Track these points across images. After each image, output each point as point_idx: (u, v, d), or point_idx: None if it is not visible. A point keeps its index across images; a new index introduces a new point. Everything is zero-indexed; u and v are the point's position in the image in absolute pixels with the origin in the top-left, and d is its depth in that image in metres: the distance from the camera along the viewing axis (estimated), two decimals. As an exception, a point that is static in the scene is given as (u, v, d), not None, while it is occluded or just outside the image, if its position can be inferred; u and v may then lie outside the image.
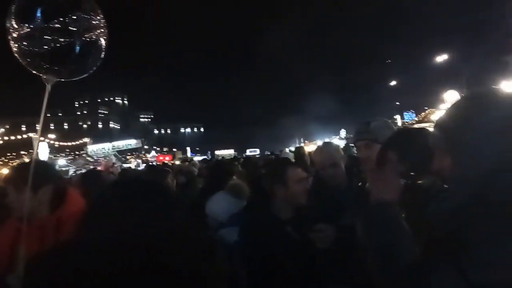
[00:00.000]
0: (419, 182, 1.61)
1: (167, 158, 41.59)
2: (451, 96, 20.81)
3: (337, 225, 2.47)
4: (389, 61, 46.63)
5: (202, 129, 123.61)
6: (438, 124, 1.48)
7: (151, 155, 47.77)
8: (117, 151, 43.08)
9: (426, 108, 23.61)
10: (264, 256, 2.33)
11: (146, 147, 64.09)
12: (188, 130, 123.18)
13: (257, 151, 49.11)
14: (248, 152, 53.70)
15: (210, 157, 51.46)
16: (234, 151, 61.27)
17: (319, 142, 29.21)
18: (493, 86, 1.61)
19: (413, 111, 26.97)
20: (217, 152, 60.87)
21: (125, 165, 28.81)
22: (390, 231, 1.40)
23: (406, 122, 24.35)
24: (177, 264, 1.09)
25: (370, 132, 2.62)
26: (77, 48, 2.28)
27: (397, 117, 27.19)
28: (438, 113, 21.34)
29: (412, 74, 37.99)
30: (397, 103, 39.34)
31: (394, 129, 2.78)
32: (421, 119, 23.53)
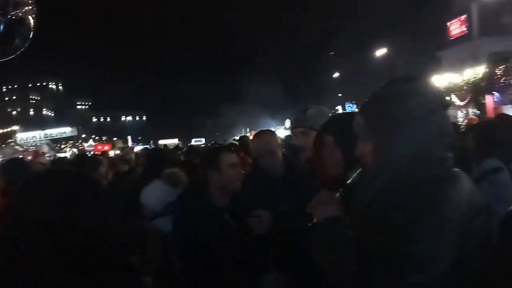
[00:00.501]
0: (348, 181, 1.58)
1: (106, 147, 39.89)
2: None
3: (274, 211, 2.43)
4: (333, 53, 47.41)
5: (144, 118, 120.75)
6: (360, 111, 1.50)
7: (89, 144, 45.99)
8: (50, 139, 40.74)
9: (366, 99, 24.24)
10: (199, 244, 2.27)
11: (83, 135, 61.46)
12: (130, 118, 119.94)
13: (203, 140, 48.57)
14: (193, 141, 52.94)
15: (152, 146, 50.32)
16: (179, 141, 60.31)
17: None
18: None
19: (354, 102, 27.67)
20: (160, 142, 59.48)
21: (59, 155, 27.27)
22: (338, 250, 1.37)
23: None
24: (105, 257, 1.02)
25: (306, 120, 2.63)
26: (2, 27, 2.16)
27: (339, 107, 27.89)
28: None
29: (354, 67, 38.89)
30: (340, 94, 40.38)
31: (329, 116, 2.76)
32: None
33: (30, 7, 2.29)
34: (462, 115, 17.04)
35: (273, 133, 3.11)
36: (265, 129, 3.56)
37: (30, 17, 2.31)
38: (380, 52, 28.27)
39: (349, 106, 27.65)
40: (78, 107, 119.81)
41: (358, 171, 1.55)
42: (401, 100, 1.32)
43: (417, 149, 1.29)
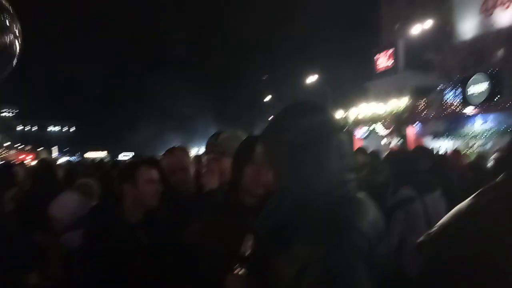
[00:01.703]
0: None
1: (28, 157, 37.82)
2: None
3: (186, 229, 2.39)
4: (265, 77, 47.92)
5: (73, 129, 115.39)
6: (259, 139, 1.48)
7: (11, 153, 43.58)
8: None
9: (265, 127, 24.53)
10: (107, 260, 2.15)
11: (6, 143, 58.13)
12: (58, 128, 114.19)
13: (132, 154, 46.87)
14: (122, 155, 51.08)
15: (78, 158, 47.98)
16: (108, 154, 58.21)
17: (194, 149, 28.76)
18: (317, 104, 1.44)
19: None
20: (88, 155, 57.28)
21: None
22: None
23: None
24: None
25: (218, 145, 2.62)
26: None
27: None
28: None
29: (286, 91, 39.49)
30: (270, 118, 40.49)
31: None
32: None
33: (16, 33, 2.36)
34: (386, 143, 17.49)
35: (184, 149, 3.02)
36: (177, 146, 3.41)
37: (16, 43, 2.41)
38: (311, 78, 28.78)
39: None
40: (3, 114, 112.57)
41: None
42: (295, 125, 1.30)
43: (315, 173, 1.28)
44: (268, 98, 42.88)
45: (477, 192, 1.07)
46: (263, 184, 1.76)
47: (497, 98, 12.96)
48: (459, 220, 1.03)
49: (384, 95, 20.55)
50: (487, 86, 13.21)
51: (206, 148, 2.78)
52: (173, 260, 2.30)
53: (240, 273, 1.49)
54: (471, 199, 1.07)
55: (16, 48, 2.36)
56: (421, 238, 1.11)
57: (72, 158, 45.19)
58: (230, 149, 2.43)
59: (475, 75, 13.75)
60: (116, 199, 2.48)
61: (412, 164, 3.81)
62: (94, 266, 2.19)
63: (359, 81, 28.82)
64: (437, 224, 1.08)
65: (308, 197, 1.27)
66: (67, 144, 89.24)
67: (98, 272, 2.15)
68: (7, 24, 2.23)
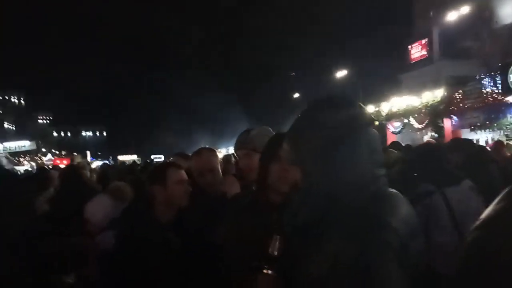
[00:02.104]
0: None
1: (64, 161, 39.38)
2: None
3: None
4: (294, 74, 47.47)
5: (105, 133, 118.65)
6: (286, 136, 1.48)
7: (47, 158, 45.44)
8: (9, 153, 39.87)
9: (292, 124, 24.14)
10: (140, 260, 2.22)
11: (43, 149, 60.84)
12: (90, 133, 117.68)
13: (162, 157, 47.79)
14: (153, 158, 51.97)
15: (112, 162, 49.06)
16: (138, 157, 59.37)
17: (223, 150, 28.69)
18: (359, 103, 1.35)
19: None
20: (119, 158, 58.57)
21: (18, 168, 27.69)
22: None
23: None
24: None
25: (249, 142, 2.62)
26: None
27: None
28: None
29: (315, 88, 38.91)
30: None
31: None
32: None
33: None
34: (421, 137, 16.82)
35: (212, 150, 3.07)
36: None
37: None
38: (341, 73, 28.14)
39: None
40: (39, 121, 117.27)
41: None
42: (326, 120, 1.29)
43: (347, 168, 1.26)
44: (296, 95, 42.44)
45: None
46: (289, 182, 1.75)
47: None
48: (501, 216, 0.95)
49: (419, 87, 19.76)
50: (530, 73, 12.41)
51: (237, 144, 2.77)
52: (202, 261, 2.34)
53: (269, 273, 1.50)
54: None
55: None
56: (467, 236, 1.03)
57: (106, 161, 46.39)
58: (261, 146, 2.45)
59: (516, 62, 12.93)
60: (147, 201, 2.57)
61: (435, 158, 3.70)
62: (127, 267, 2.26)
63: (391, 73, 27.99)
64: (478, 220, 1.01)
65: (340, 192, 1.26)
66: (100, 148, 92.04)
67: (131, 272, 2.23)
68: None
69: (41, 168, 12.11)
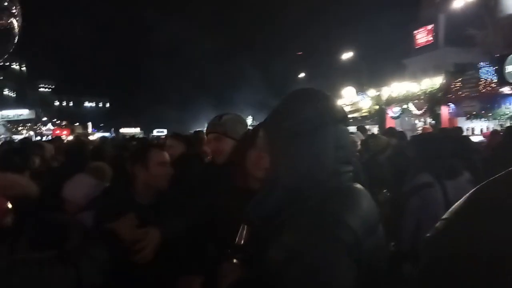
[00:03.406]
0: None
1: (64, 132, 39.41)
2: (348, 93, 21.92)
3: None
4: (300, 53, 47.66)
5: (108, 105, 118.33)
6: (261, 125, 1.59)
7: (46, 128, 45.57)
8: (6, 121, 39.79)
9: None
10: (117, 241, 2.19)
11: (44, 119, 60.50)
12: (93, 104, 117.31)
13: (165, 131, 48.08)
14: (155, 132, 52.53)
15: (113, 134, 49.55)
16: (141, 130, 59.80)
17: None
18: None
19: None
20: (122, 130, 59.07)
21: (14, 137, 27.40)
22: None
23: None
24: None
25: (220, 125, 2.68)
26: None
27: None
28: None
29: (321, 68, 39.28)
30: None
31: (246, 124, 2.91)
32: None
33: (15, 11, 2.33)
34: (420, 124, 17.37)
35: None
36: None
37: (15, 21, 2.36)
38: (347, 55, 28.56)
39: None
40: (41, 89, 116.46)
41: None
42: (294, 113, 1.33)
43: (309, 162, 1.29)
44: (302, 74, 42.86)
45: (489, 180, 0.95)
46: (265, 168, 1.73)
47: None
48: (464, 214, 0.90)
49: (422, 72, 20.24)
50: (526, 65, 12.94)
51: (208, 127, 2.85)
52: (180, 242, 2.32)
53: (235, 261, 1.55)
54: (482, 189, 0.94)
55: (15, 28, 2.36)
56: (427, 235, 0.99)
57: (107, 134, 46.81)
58: (232, 131, 2.63)
59: (513, 53, 13.45)
60: (127, 181, 2.60)
61: (435, 148, 3.69)
62: (105, 245, 2.19)
63: (397, 58, 28.38)
64: (443, 217, 0.96)
65: (300, 186, 1.29)
66: (102, 119, 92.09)
67: (109, 251, 2.15)
68: (6, 4, 2.23)
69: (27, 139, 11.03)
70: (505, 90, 13.73)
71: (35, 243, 2.07)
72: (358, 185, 1.36)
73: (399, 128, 12.19)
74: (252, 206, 1.41)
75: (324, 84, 27.54)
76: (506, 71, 13.61)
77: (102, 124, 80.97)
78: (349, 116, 21.11)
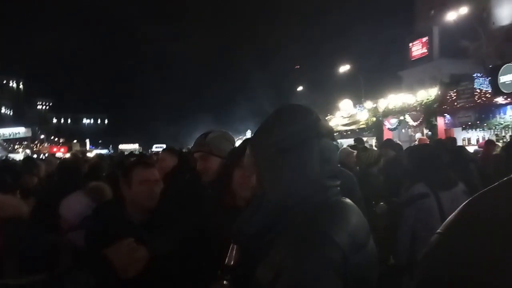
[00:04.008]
0: None
1: (61, 150, 39.21)
2: (345, 105, 22.24)
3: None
4: (298, 66, 48.29)
5: (106, 121, 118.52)
6: (248, 141, 1.60)
7: (44, 146, 45.70)
8: (3, 139, 39.70)
9: (329, 114, 24.80)
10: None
11: (42, 136, 60.23)
12: (91, 121, 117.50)
13: (164, 146, 47.91)
14: (154, 147, 52.52)
15: (111, 151, 49.63)
16: (139, 146, 59.91)
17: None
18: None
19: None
20: (121, 147, 59.13)
21: (12, 155, 27.56)
22: None
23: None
24: None
25: (206, 144, 2.65)
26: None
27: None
28: (333, 120, 22.56)
29: (319, 81, 39.76)
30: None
31: (233, 140, 2.83)
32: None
33: None
34: (415, 134, 17.64)
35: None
36: None
37: None
38: (344, 68, 29.01)
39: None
40: (38, 107, 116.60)
41: None
42: (279, 129, 1.34)
43: (295, 178, 1.30)
44: (300, 88, 43.29)
45: (480, 193, 0.95)
46: (251, 187, 1.78)
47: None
48: (457, 230, 0.89)
49: (418, 84, 20.58)
50: (519, 75, 13.23)
51: (194, 147, 2.84)
52: (173, 260, 2.28)
53: (224, 284, 1.53)
54: (473, 202, 0.94)
55: None
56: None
57: (105, 151, 46.77)
58: (217, 149, 2.60)
59: (507, 64, 13.76)
60: (118, 199, 2.56)
61: (430, 159, 3.71)
62: (94, 266, 2.10)
63: (393, 70, 28.86)
64: (437, 231, 0.95)
65: (287, 202, 1.29)
66: (101, 136, 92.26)
67: (98, 272, 2.06)
68: None
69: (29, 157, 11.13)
70: (499, 100, 13.98)
71: (25, 266, 2.03)
72: (347, 200, 1.36)
73: (396, 140, 12.41)
74: (239, 225, 1.41)
75: (322, 97, 27.88)
76: (500, 81, 13.85)
77: (100, 141, 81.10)
78: (347, 128, 21.67)
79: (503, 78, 13.70)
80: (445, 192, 3.46)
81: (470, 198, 0.94)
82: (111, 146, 64.02)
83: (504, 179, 0.93)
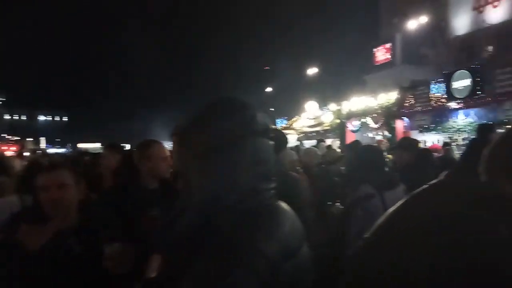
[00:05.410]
0: None
1: (12, 148, 37.95)
2: (310, 107, 23.45)
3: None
4: (268, 67, 49.43)
5: (66, 118, 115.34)
6: (176, 136, 1.52)
7: None
8: None
9: (297, 116, 25.91)
10: (32, 270, 2.00)
11: (-7, 134, 58.22)
12: (49, 118, 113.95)
13: (127, 146, 47.58)
14: (116, 147, 51.66)
15: (70, 149, 48.54)
16: (102, 145, 58.79)
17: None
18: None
19: (286, 117, 29.18)
20: (81, 145, 57.95)
21: None
22: None
23: (275, 127, 26.22)
24: None
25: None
26: None
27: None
28: (299, 121, 23.69)
29: (287, 83, 41.01)
30: (272, 109, 42.07)
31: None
32: (288, 126, 25.66)
33: None
34: (375, 137, 18.93)
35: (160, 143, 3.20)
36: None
37: None
38: (312, 71, 30.31)
39: (281, 120, 29.04)
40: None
41: None
42: (209, 125, 1.23)
43: (224, 180, 1.20)
44: (269, 89, 44.37)
45: (405, 199, 1.01)
46: (158, 178, 1.80)
47: (478, 93, 14.33)
48: (382, 234, 0.95)
49: (381, 88, 21.91)
50: (470, 81, 14.58)
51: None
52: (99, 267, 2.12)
53: None
54: (399, 208, 1.02)
55: None
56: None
57: (63, 150, 45.81)
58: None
59: (459, 71, 15.14)
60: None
61: (376, 161, 3.82)
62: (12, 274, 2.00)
63: (358, 74, 30.33)
64: (364, 236, 0.99)
65: (215, 207, 1.21)
66: (59, 134, 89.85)
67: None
68: None
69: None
70: (452, 104, 15.38)
71: None
72: (281, 204, 1.28)
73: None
74: (161, 232, 1.36)
75: (290, 98, 28.78)
76: (453, 86, 15.24)
77: (58, 139, 79.21)
78: (312, 130, 22.74)
79: (456, 84, 15.07)
80: (389, 192, 3.55)
81: (395, 205, 1.06)
82: (69, 145, 62.63)
83: (418, 190, 1.04)
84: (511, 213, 0.91)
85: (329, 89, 28.96)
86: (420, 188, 1.06)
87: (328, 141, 15.59)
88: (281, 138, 3.23)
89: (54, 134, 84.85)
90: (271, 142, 1.31)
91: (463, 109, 15.07)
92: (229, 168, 1.20)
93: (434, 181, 1.09)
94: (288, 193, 1.42)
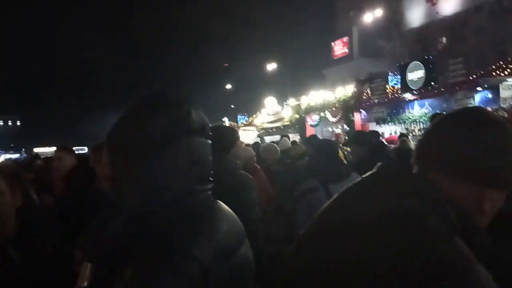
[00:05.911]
0: None
1: None
2: (269, 102, 23.46)
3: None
4: (227, 64, 49.23)
5: (18, 122, 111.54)
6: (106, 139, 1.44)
7: None
8: None
9: (258, 112, 25.86)
10: None
11: None
12: (1, 123, 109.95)
13: (85, 149, 46.59)
14: (75, 150, 50.43)
15: (24, 155, 46.97)
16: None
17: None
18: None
19: (247, 114, 29.12)
20: (36, 150, 56.18)
21: None
22: None
23: (236, 124, 26.10)
24: None
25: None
26: None
27: (225, 119, 29.10)
28: (259, 117, 23.66)
29: (247, 79, 40.94)
30: (232, 106, 41.93)
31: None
32: (248, 122, 25.59)
33: None
34: (338, 131, 19.08)
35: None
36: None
37: None
38: (271, 66, 30.38)
39: (241, 117, 28.96)
40: None
41: None
42: (139, 124, 1.16)
43: (156, 182, 1.15)
44: (228, 86, 44.23)
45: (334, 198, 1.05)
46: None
47: (432, 83, 14.62)
48: (311, 236, 0.97)
49: (340, 82, 22.13)
50: (423, 73, 14.87)
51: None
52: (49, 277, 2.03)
53: None
54: (328, 207, 1.06)
55: None
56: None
57: (17, 155, 44.36)
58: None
59: (412, 62, 15.41)
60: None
61: (327, 154, 3.84)
62: None
63: (317, 68, 30.59)
64: (296, 236, 1.01)
65: (146, 210, 1.17)
66: (11, 139, 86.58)
67: None
68: None
69: None
70: (408, 96, 15.64)
71: None
72: (219, 205, 1.26)
73: (319, 136, 13.42)
74: (87, 238, 1.31)
75: (250, 95, 28.72)
76: (408, 78, 15.50)
77: (12, 145, 76.36)
78: (272, 125, 22.76)
79: (410, 76, 15.34)
80: (335, 185, 3.55)
81: (325, 205, 1.10)
82: (23, 150, 60.59)
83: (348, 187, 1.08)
84: (440, 204, 0.96)
85: (289, 84, 29.09)
86: (353, 183, 1.09)
87: (291, 136, 15.57)
88: (229, 136, 3.15)
89: (7, 139, 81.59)
90: (209, 141, 1.26)
91: (418, 100, 15.33)
92: (162, 169, 1.15)
93: (367, 174, 1.11)
94: (234, 192, 1.43)
